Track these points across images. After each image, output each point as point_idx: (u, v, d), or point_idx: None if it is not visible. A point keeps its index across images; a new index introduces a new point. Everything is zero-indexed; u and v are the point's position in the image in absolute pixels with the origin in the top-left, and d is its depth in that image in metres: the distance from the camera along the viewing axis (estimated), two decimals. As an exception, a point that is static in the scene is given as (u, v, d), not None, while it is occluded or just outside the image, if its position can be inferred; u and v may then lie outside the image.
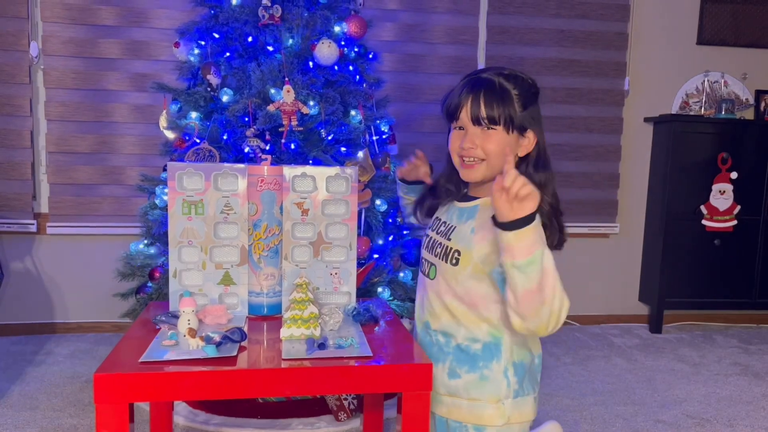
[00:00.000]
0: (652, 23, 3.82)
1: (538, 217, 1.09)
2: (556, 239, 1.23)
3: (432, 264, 1.34)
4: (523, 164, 1.27)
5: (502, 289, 1.18)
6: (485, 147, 1.25)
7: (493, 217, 1.11)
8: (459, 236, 1.28)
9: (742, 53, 3.91)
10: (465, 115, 1.27)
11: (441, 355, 1.30)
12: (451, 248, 1.28)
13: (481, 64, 3.66)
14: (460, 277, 1.26)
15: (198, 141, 2.37)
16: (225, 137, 2.41)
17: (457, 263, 1.26)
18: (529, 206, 1.07)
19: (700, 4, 3.84)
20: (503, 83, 1.25)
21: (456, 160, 1.31)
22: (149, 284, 2.46)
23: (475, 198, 1.32)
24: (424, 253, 1.38)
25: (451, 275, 1.28)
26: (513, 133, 1.25)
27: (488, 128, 1.25)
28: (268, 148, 2.33)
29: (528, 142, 1.27)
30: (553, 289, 1.08)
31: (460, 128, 1.30)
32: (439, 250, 1.32)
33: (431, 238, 1.37)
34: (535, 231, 1.08)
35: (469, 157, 1.27)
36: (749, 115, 3.93)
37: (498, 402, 1.25)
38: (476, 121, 1.25)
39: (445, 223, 1.35)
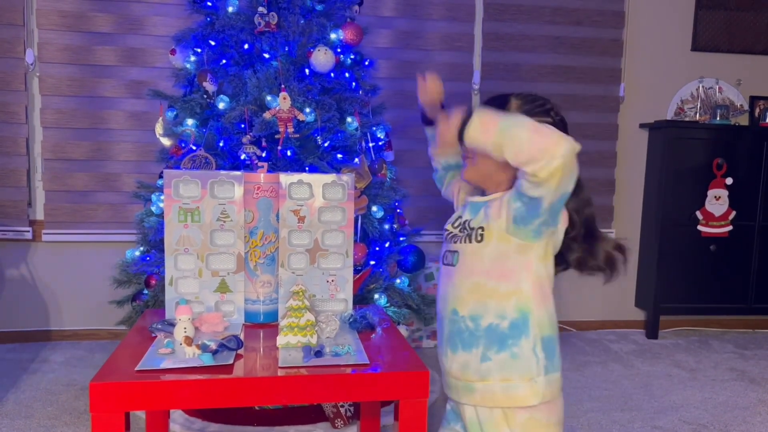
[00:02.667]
0: (646, 30, 3.84)
1: (478, 110, 1.22)
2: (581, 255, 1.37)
3: (454, 252, 1.36)
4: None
5: (527, 213, 1.23)
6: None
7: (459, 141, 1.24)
8: (478, 218, 1.32)
9: (736, 59, 3.93)
10: None
11: (472, 340, 1.30)
12: (473, 228, 1.32)
13: (476, 71, 3.68)
14: (486, 251, 1.29)
15: (194, 148, 2.37)
16: (221, 144, 2.41)
17: (482, 239, 1.29)
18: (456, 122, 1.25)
19: (694, 11, 3.86)
20: (509, 95, 1.36)
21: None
22: (145, 292, 2.45)
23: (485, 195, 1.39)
24: (446, 247, 1.40)
25: (476, 253, 1.30)
26: None
27: None
28: (264, 155, 2.33)
29: None
30: (550, 132, 1.15)
31: None
32: (461, 235, 1.35)
33: (450, 232, 1.40)
34: (480, 115, 1.21)
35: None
36: (744, 120, 3.95)
37: (531, 380, 1.27)
38: None
39: (460, 217, 1.39)
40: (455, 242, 1.36)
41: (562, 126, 1.33)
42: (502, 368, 1.27)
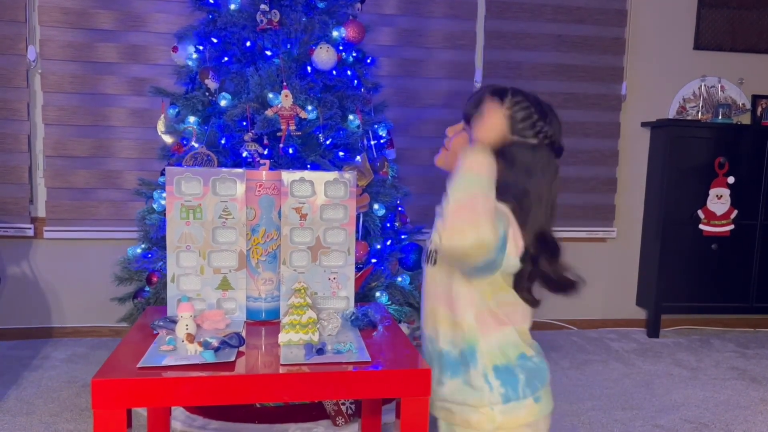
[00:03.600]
0: (649, 28, 3.84)
1: (476, 148, 1.15)
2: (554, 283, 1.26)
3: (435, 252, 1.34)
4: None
5: (470, 277, 1.20)
6: (454, 140, 1.35)
7: None
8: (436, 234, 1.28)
9: (738, 58, 3.92)
10: None
11: (430, 360, 1.31)
12: (431, 249, 1.29)
13: (478, 69, 3.67)
14: (438, 277, 1.27)
15: (196, 145, 2.36)
16: (223, 142, 2.41)
17: (435, 263, 1.28)
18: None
19: (696, 9, 3.86)
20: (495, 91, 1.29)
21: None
22: (147, 289, 2.46)
23: None
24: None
25: (432, 276, 1.29)
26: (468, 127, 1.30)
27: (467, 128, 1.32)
28: (266, 152, 2.33)
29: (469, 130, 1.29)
30: (484, 213, 1.08)
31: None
32: (426, 254, 1.33)
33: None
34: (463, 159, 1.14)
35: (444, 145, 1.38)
36: (746, 119, 3.94)
37: (485, 407, 1.23)
38: (463, 116, 1.34)
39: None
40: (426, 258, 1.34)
41: (548, 149, 1.26)
42: (455, 393, 1.26)
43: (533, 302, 1.27)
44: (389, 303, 2.47)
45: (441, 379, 1.27)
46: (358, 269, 2.33)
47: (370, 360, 1.17)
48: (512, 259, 1.19)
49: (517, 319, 1.27)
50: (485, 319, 1.24)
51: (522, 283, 1.24)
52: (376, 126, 2.62)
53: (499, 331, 1.25)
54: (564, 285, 1.26)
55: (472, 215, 1.07)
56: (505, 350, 1.26)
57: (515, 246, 1.19)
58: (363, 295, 2.39)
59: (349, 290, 1.47)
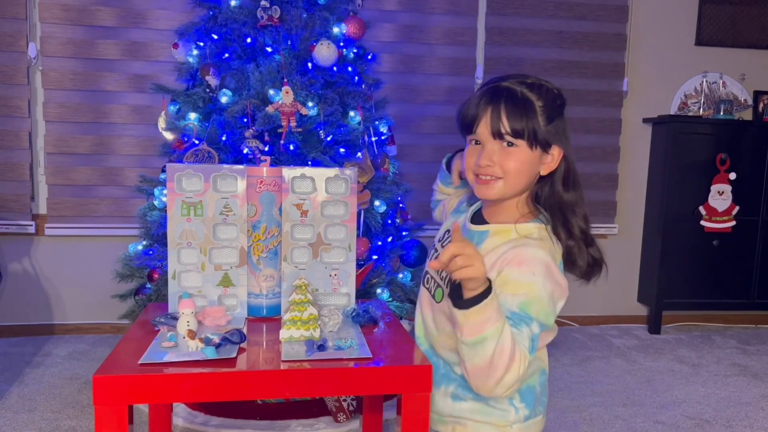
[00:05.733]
0: (650, 24, 3.83)
1: (494, 292, 1.03)
2: (584, 269, 1.18)
3: (438, 286, 1.25)
4: (546, 184, 1.19)
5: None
6: (504, 165, 1.14)
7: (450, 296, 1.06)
8: None
9: (740, 54, 3.92)
10: (484, 129, 1.15)
11: (445, 380, 1.25)
12: (444, 281, 1.22)
13: (479, 65, 3.67)
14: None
15: (197, 142, 2.36)
16: (224, 138, 2.40)
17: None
18: (469, 278, 1.01)
19: (698, 5, 3.85)
20: (526, 93, 1.15)
21: (471, 177, 1.20)
22: (148, 286, 2.46)
23: (486, 222, 1.24)
24: (429, 268, 1.31)
25: (446, 307, 1.20)
26: (536, 149, 1.14)
27: (509, 144, 1.14)
28: (267, 149, 2.32)
29: (552, 160, 1.17)
30: (505, 368, 1.04)
31: (477, 142, 1.18)
32: (444, 273, 1.22)
33: (439, 254, 1.30)
34: (486, 309, 1.02)
35: (485, 175, 1.16)
36: (747, 115, 3.93)
37: (505, 427, 1.21)
38: (496, 135, 1.14)
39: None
40: (440, 275, 1.25)
41: (560, 110, 1.19)
42: (475, 412, 1.22)
43: (590, 272, 1.20)
44: (390, 299, 2.47)
45: (461, 395, 1.22)
46: (359, 266, 2.32)
47: (372, 356, 1.17)
48: (562, 302, 1.16)
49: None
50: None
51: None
52: (377, 122, 2.62)
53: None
54: (595, 269, 1.21)
55: (494, 375, 1.05)
56: (532, 373, 1.23)
57: (561, 291, 1.15)
58: (364, 292, 2.39)
59: (350, 287, 1.46)
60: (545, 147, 1.16)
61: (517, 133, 1.13)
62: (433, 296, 1.27)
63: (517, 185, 1.16)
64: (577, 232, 1.16)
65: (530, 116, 1.13)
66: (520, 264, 1.11)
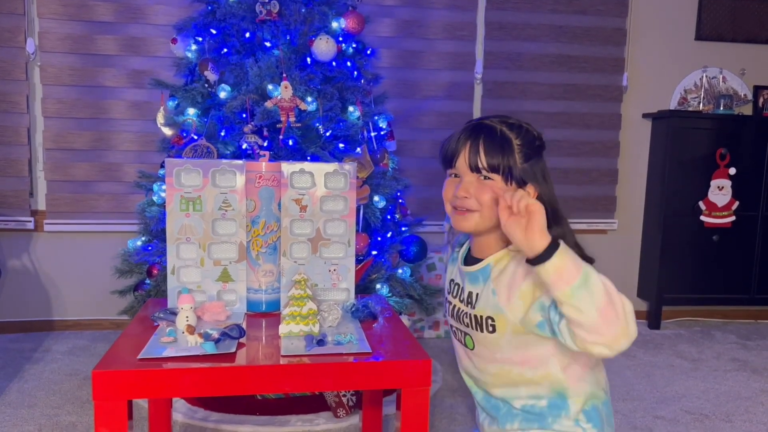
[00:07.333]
0: (650, 19, 3.82)
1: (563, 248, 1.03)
2: None
3: (466, 333, 1.27)
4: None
5: (552, 333, 1.10)
6: (480, 197, 1.18)
7: (528, 261, 1.04)
8: (483, 302, 1.21)
9: (740, 49, 3.91)
10: (462, 162, 1.20)
11: (509, 417, 1.25)
12: (481, 317, 1.21)
13: (479, 60, 3.66)
14: (502, 342, 1.20)
15: (195, 137, 2.36)
16: (223, 133, 2.40)
17: (494, 330, 1.20)
18: (539, 219, 1.01)
19: (698, -1, 3.84)
20: (505, 131, 1.20)
21: (448, 209, 1.25)
22: (147, 281, 2.45)
23: (480, 260, 1.26)
24: (452, 322, 1.32)
25: (492, 343, 1.21)
26: (511, 185, 1.18)
27: (485, 177, 1.19)
28: (265, 144, 2.32)
29: None
30: (618, 294, 1.01)
31: (456, 176, 1.23)
32: (467, 319, 1.25)
33: (454, 305, 1.31)
34: (568, 250, 1.02)
35: (462, 207, 1.21)
36: (747, 110, 3.93)
37: None
38: (473, 168, 1.19)
39: (461, 288, 1.28)
40: (464, 323, 1.26)
41: (538, 151, 1.23)
42: None
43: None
44: (390, 295, 2.47)
45: (526, 428, 1.23)
46: (358, 261, 2.32)
47: (371, 351, 1.17)
48: None
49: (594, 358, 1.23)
50: (574, 368, 1.22)
51: None
52: (376, 117, 2.62)
53: (587, 370, 1.24)
54: None
55: (618, 312, 1.00)
56: (595, 392, 1.24)
57: None
58: (363, 287, 2.39)
59: (349, 282, 1.46)
60: (521, 184, 1.20)
61: (493, 168, 1.18)
62: (465, 345, 1.29)
63: (492, 217, 1.18)
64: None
65: (507, 153, 1.18)
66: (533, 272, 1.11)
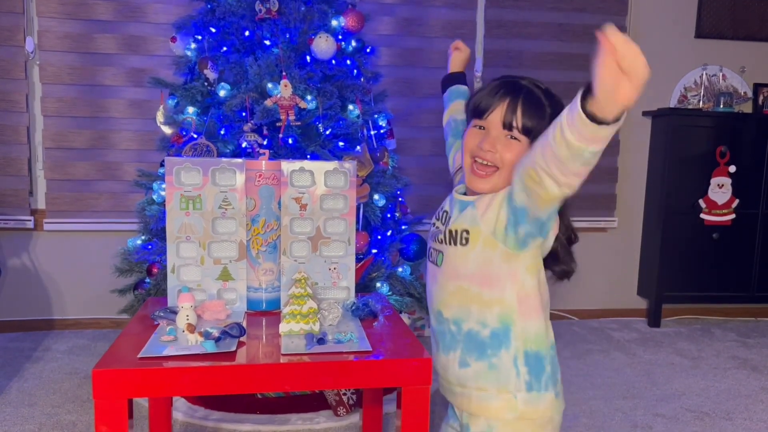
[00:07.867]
0: (650, 17, 3.82)
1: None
2: (566, 266, 1.28)
3: (439, 251, 1.29)
4: None
5: (521, 249, 1.17)
6: (504, 155, 1.20)
7: (584, 94, 0.99)
8: (463, 217, 1.24)
9: (740, 46, 3.90)
10: (496, 117, 1.21)
11: (453, 344, 1.27)
12: (457, 230, 1.24)
13: (479, 59, 3.65)
14: (471, 255, 1.21)
15: (195, 136, 2.36)
16: (222, 132, 2.40)
17: (467, 243, 1.22)
18: (629, 88, 0.94)
19: (698, -3, 3.84)
20: (542, 97, 1.23)
21: (468, 161, 1.25)
22: (147, 280, 2.45)
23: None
24: (431, 243, 1.34)
25: (461, 256, 1.23)
26: None
27: (512, 137, 1.20)
28: (265, 142, 2.32)
29: None
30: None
31: (481, 128, 1.24)
32: (443, 236, 1.28)
33: (437, 227, 1.33)
34: (609, 133, 1.01)
35: (483, 160, 1.21)
36: (747, 108, 3.93)
37: (508, 394, 1.22)
38: (506, 126, 1.20)
39: (449, 215, 1.31)
40: (439, 241, 1.29)
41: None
42: (479, 377, 1.23)
43: (567, 273, 1.30)
44: (390, 293, 2.47)
45: (466, 360, 1.25)
46: (358, 260, 2.32)
47: (371, 349, 1.17)
48: (552, 236, 1.22)
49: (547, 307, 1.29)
50: (528, 301, 1.23)
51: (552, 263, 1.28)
52: (376, 116, 2.61)
53: (539, 316, 1.25)
54: (568, 272, 1.29)
55: (585, 171, 1.09)
56: (540, 337, 1.25)
57: (556, 224, 1.22)
58: (364, 286, 2.39)
59: (349, 280, 1.46)
60: None
61: (526, 130, 1.20)
62: (435, 263, 1.31)
63: (508, 179, 1.19)
64: (562, 234, 1.25)
65: (541, 117, 1.20)
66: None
